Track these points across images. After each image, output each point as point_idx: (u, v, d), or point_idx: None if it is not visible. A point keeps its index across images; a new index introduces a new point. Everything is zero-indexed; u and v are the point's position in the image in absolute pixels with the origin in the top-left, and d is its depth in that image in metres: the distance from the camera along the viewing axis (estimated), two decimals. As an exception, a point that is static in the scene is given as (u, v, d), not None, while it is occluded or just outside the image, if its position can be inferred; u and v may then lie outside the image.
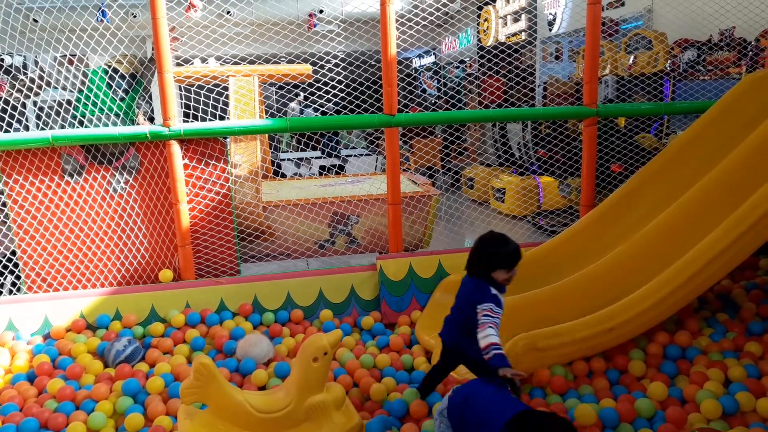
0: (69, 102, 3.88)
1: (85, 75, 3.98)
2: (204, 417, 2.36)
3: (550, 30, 9.49)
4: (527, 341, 2.76)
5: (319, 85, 4.18)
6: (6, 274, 3.79)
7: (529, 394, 2.75)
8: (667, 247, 3.10)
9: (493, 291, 2.43)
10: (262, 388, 2.94)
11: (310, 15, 11.04)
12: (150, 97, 4.18)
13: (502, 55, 8.24)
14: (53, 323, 3.45)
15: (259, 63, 4.57)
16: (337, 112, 4.17)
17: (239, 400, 2.33)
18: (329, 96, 4.12)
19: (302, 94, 11.66)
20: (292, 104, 12.10)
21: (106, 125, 3.80)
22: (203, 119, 3.81)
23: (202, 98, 3.85)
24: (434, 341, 3.25)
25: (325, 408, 2.39)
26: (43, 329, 3.45)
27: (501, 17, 10.61)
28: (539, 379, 2.79)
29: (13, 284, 3.76)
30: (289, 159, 9.81)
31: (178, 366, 3.05)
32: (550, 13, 9.44)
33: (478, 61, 10.68)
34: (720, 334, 3.10)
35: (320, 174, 8.60)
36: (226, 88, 4.27)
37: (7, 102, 3.85)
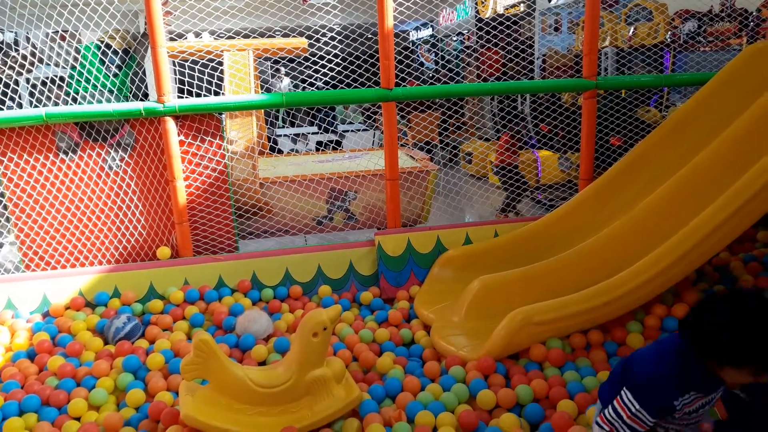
0: (62, 78, 3.83)
1: (77, 51, 3.92)
2: (205, 393, 2.38)
3: (549, 1, 9.35)
4: (524, 315, 2.77)
5: (315, 59, 4.12)
6: None
7: (524, 367, 2.77)
8: (665, 220, 3.09)
9: (666, 390, 1.53)
10: (262, 363, 2.96)
11: (306, -12, 10.85)
12: (144, 72, 4.12)
13: (500, 27, 8.13)
14: (52, 301, 3.46)
15: (254, 37, 4.50)
16: (334, 86, 4.13)
17: (240, 376, 2.35)
18: (325, 70, 4.07)
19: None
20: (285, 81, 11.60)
21: (99, 102, 3.76)
22: (198, 95, 3.77)
23: (197, 73, 3.80)
24: (432, 316, 3.27)
25: (325, 382, 2.41)
26: (42, 307, 3.46)
27: (499, -12, 10.43)
28: (535, 353, 2.81)
29: None
30: (285, 135, 9.74)
31: (177, 342, 3.07)
32: (549, -16, 9.29)
33: (476, 33, 10.55)
34: (717, 307, 3.10)
35: (317, 150, 8.56)
36: (220, 63, 4.22)
37: (-1, 79, 3.80)
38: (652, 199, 3.22)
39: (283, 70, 11.14)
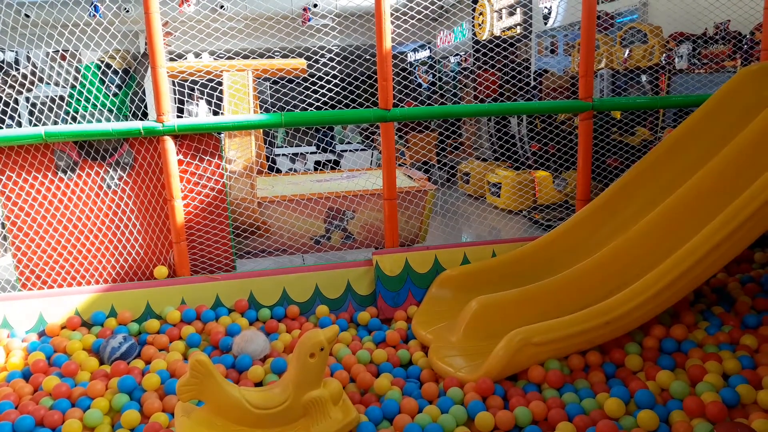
0: (62, 98, 3.85)
1: (77, 70, 3.95)
2: (201, 414, 2.36)
3: (546, 24, 9.48)
4: (523, 336, 2.76)
5: (313, 79, 4.16)
6: None
7: (523, 389, 2.75)
8: (663, 241, 3.10)
9: None
10: (259, 384, 2.94)
11: (305, 9, 10.99)
12: (143, 92, 4.15)
13: (497, 49, 8.23)
14: (48, 320, 3.43)
15: (254, 58, 4.55)
16: (332, 107, 4.16)
17: (236, 397, 2.32)
18: (324, 91, 4.10)
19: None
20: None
21: (99, 121, 3.78)
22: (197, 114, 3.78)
23: (196, 93, 3.82)
24: (430, 336, 3.25)
25: (322, 403, 2.39)
26: (37, 326, 3.43)
27: (496, 11, 10.58)
28: (533, 375, 2.79)
29: None
30: (284, 154, 9.78)
31: (174, 363, 3.04)
32: (546, 7, 9.43)
33: (474, 55, 10.67)
34: (716, 327, 3.11)
35: (315, 169, 8.58)
36: (220, 83, 4.25)
37: (-1, 98, 3.81)
38: (649, 219, 3.23)
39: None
